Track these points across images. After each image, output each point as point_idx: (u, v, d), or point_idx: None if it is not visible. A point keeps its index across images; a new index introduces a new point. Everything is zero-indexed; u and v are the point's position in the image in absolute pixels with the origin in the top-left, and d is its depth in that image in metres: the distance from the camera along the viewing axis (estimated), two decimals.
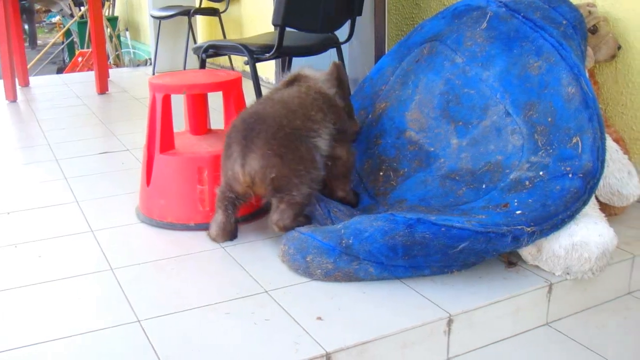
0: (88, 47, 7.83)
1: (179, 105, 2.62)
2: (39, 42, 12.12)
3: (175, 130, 2.41)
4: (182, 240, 2.24)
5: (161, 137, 2.34)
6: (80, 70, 7.27)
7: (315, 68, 2.39)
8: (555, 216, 1.88)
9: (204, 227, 2.26)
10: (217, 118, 2.96)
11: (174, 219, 2.33)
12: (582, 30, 2.32)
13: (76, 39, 8.90)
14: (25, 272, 2.04)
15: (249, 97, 2.53)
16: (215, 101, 2.76)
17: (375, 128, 2.50)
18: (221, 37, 5.64)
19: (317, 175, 2.09)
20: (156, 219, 2.36)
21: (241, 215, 2.33)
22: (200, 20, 6.29)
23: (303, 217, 2.13)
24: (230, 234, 2.21)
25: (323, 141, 2.15)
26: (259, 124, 2.06)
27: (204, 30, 6.30)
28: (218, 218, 2.20)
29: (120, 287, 1.92)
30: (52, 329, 1.71)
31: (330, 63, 2.39)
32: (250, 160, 2.04)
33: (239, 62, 5.48)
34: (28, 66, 5.57)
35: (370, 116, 2.57)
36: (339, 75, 2.37)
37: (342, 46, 3.15)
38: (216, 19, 5.63)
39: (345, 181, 2.31)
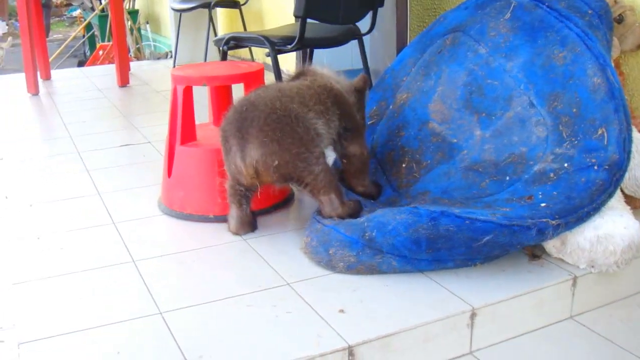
0: (109, 41, 7.85)
1: (204, 97, 2.61)
2: (59, 35, 12.19)
3: (200, 122, 2.40)
4: (202, 232, 2.24)
5: (182, 129, 2.34)
6: (101, 64, 7.30)
7: (331, 66, 2.36)
8: (581, 209, 1.85)
9: (222, 219, 2.26)
10: None
11: (193, 211, 2.33)
12: (608, 19, 2.29)
13: (97, 33, 8.93)
14: (47, 263, 2.05)
15: None
16: (240, 93, 2.75)
17: (397, 119, 2.48)
18: (242, 29, 5.62)
19: (319, 152, 2.02)
20: (176, 210, 2.36)
21: (263, 207, 2.33)
22: (220, 13, 6.28)
23: (353, 202, 2.10)
24: (249, 225, 2.20)
25: (323, 128, 2.06)
26: (251, 112, 2.00)
27: (225, 22, 6.29)
28: (233, 212, 2.19)
29: (142, 279, 1.93)
30: (74, 321, 1.71)
31: (360, 74, 2.34)
32: (249, 152, 1.98)
33: (260, 54, 5.46)
34: (49, 59, 5.59)
35: (391, 107, 2.56)
36: (363, 87, 2.31)
37: (364, 38, 3.13)
38: (236, 11, 5.61)
39: (363, 177, 2.29)
